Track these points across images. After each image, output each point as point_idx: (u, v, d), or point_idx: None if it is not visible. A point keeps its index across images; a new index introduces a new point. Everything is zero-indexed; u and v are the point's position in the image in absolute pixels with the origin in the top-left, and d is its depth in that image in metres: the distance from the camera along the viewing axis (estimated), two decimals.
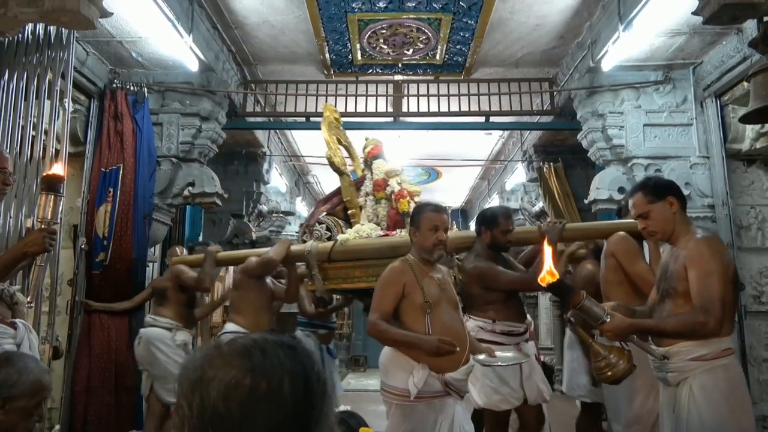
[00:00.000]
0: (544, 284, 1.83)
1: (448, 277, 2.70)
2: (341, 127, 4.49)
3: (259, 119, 6.33)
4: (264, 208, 8.15)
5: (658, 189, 2.25)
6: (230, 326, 3.77)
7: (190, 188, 5.01)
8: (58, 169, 2.29)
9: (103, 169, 4.51)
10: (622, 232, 2.95)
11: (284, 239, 4.17)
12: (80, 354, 4.27)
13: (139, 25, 4.15)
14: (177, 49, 4.45)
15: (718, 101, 4.69)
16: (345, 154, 4.37)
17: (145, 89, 4.77)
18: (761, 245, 4.57)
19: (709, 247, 2.09)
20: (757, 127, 4.35)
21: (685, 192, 4.68)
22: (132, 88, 4.73)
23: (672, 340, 2.08)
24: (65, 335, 4.23)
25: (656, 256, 2.76)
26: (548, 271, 1.83)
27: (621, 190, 4.88)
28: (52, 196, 2.23)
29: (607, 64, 4.69)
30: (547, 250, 1.88)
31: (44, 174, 2.44)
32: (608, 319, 1.94)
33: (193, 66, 4.69)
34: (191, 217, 5.96)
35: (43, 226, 2.22)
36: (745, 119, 2.53)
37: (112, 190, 4.48)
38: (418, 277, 2.54)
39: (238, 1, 4.65)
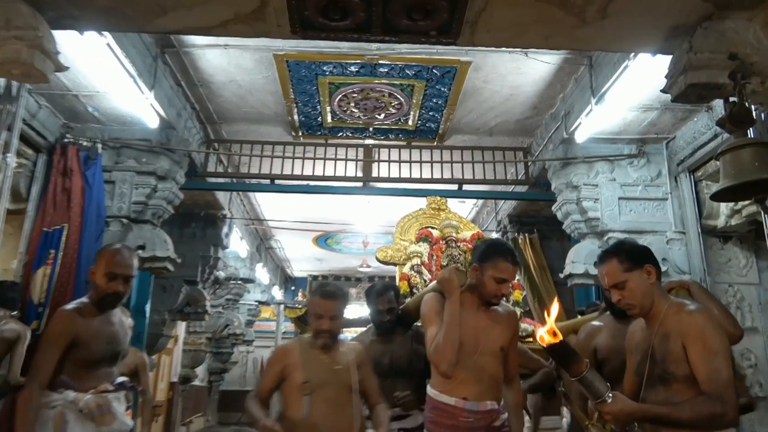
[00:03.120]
0: (543, 344, 1.69)
1: (355, 357, 2.65)
2: (445, 209, 4.66)
3: (220, 180, 6.35)
4: (221, 274, 8.03)
5: (635, 255, 2.11)
6: None
7: (140, 251, 4.91)
8: None
9: (45, 229, 4.40)
10: (428, 293, 2.76)
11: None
12: None
13: (97, 79, 4.20)
14: (136, 105, 4.50)
15: (692, 177, 4.93)
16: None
17: (99, 145, 4.76)
18: (741, 325, 4.66)
19: (708, 321, 1.97)
20: (732, 204, 4.56)
21: (663, 268, 4.82)
22: (85, 143, 4.72)
23: None
24: None
25: (452, 310, 2.52)
26: (548, 330, 1.67)
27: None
28: None
29: (581, 136, 4.92)
30: (554, 308, 1.78)
31: None
32: (610, 399, 1.80)
33: (153, 123, 4.73)
34: (139, 282, 5.79)
35: None
36: (716, 197, 2.65)
37: (53, 251, 4.36)
38: (305, 358, 2.55)
39: (204, 59, 4.78)
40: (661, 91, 2.82)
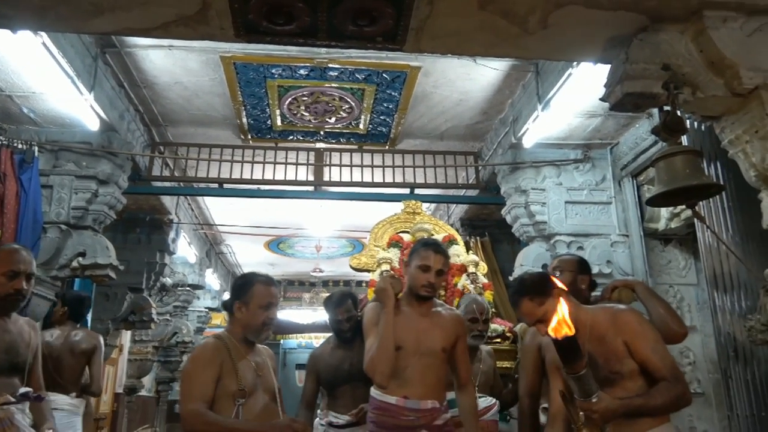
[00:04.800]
0: (558, 336, 1.71)
1: (269, 361, 2.54)
2: (421, 213, 4.65)
3: (166, 184, 6.22)
4: (168, 281, 7.86)
5: (541, 287, 2.19)
6: None
7: (80, 259, 4.77)
8: None
9: None
10: (368, 304, 2.84)
11: None
12: None
13: (33, 79, 4.07)
14: (75, 106, 4.38)
15: (635, 181, 5.14)
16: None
17: (36, 148, 4.59)
18: None
19: (638, 316, 2.11)
20: (671, 207, 4.76)
21: (607, 270, 5.02)
22: (20, 145, 4.55)
23: (647, 424, 2.02)
24: None
25: (386, 321, 2.61)
26: (563, 320, 1.70)
27: (545, 267, 5.12)
28: None
29: (529, 141, 5.06)
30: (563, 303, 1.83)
31: None
32: (595, 399, 1.87)
33: (94, 125, 4.61)
34: (80, 290, 5.64)
35: None
36: (651, 202, 2.77)
37: None
38: (234, 360, 2.33)
39: (148, 60, 4.68)
40: (600, 99, 2.92)
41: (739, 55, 2.58)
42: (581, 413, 1.90)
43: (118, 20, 2.60)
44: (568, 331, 1.70)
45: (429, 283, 2.64)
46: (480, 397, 3.33)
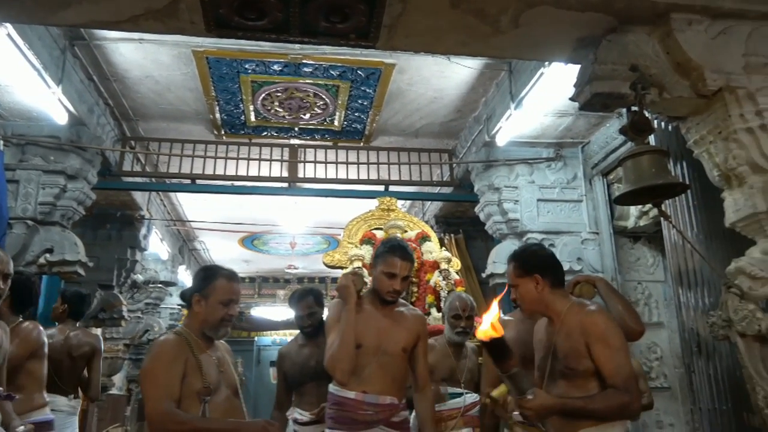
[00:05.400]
0: (485, 339, 1.73)
1: (228, 356, 2.44)
2: (395, 210, 4.67)
3: (138, 179, 6.13)
4: (139, 277, 7.74)
5: (527, 264, 2.25)
6: None
7: (48, 255, 4.68)
8: None
9: None
10: (333, 300, 2.83)
11: None
12: None
13: None
14: (43, 99, 4.28)
15: (605, 179, 5.22)
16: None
17: (1, 142, 4.49)
18: (648, 321, 4.98)
19: (608, 321, 2.11)
20: (640, 206, 4.85)
21: (577, 267, 5.09)
22: None
23: (582, 424, 2.02)
24: None
25: (347, 318, 2.60)
26: (492, 324, 1.72)
27: None
28: None
29: (502, 140, 5.10)
30: (494, 307, 1.84)
31: None
32: (530, 395, 1.88)
33: (62, 119, 4.51)
34: (47, 289, 5.49)
35: None
36: (619, 201, 2.83)
37: None
38: (197, 356, 2.23)
39: (118, 53, 4.60)
40: (569, 99, 2.96)
41: (703, 57, 2.64)
42: (514, 411, 1.93)
43: (85, 12, 2.55)
44: (494, 333, 1.72)
45: (394, 290, 2.64)
46: (466, 393, 3.36)
